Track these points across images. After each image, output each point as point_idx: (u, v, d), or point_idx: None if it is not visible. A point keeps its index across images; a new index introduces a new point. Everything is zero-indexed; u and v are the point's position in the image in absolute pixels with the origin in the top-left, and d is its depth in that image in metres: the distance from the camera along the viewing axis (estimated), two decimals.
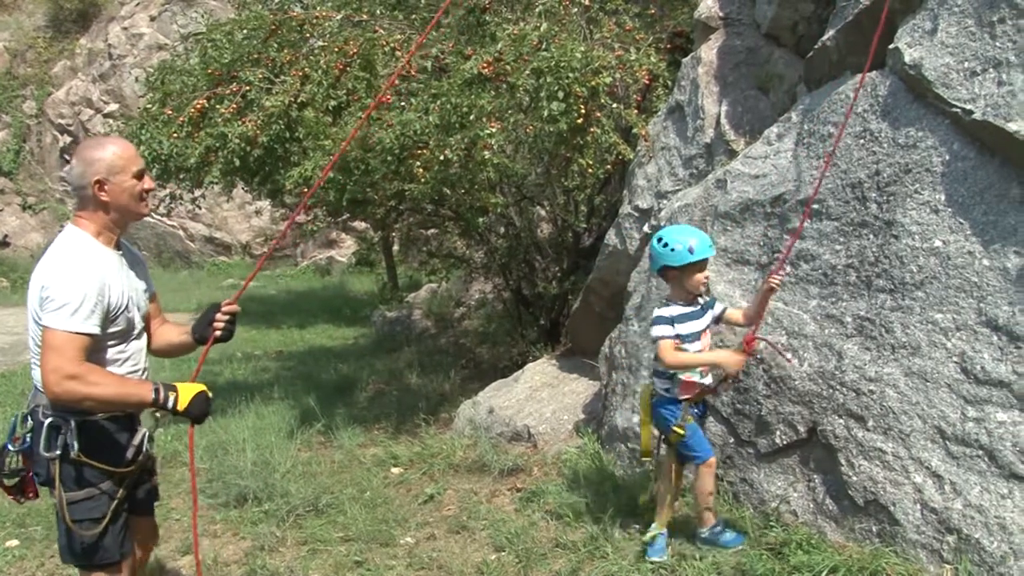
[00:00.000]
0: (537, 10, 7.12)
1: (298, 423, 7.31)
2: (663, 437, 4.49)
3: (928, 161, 4.07)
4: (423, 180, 6.65)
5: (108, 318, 3.11)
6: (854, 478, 4.18)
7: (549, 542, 4.77)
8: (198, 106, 7.58)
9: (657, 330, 4.29)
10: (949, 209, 3.98)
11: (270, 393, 8.56)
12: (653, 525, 4.43)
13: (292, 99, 7.22)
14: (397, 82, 7.06)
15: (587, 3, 7.23)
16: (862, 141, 4.39)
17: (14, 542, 5.20)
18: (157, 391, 3.12)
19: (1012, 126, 3.68)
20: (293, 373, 10.23)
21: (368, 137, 6.58)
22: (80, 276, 3.03)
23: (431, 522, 5.31)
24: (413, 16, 7.94)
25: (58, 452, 3.07)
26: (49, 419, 3.08)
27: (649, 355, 5.54)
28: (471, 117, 6.25)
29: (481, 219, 8.38)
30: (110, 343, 3.18)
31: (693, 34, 6.76)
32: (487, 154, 6.36)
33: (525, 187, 8.94)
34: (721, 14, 6.25)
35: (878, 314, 4.20)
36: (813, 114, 4.72)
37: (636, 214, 6.42)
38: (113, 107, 23.60)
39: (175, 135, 7.52)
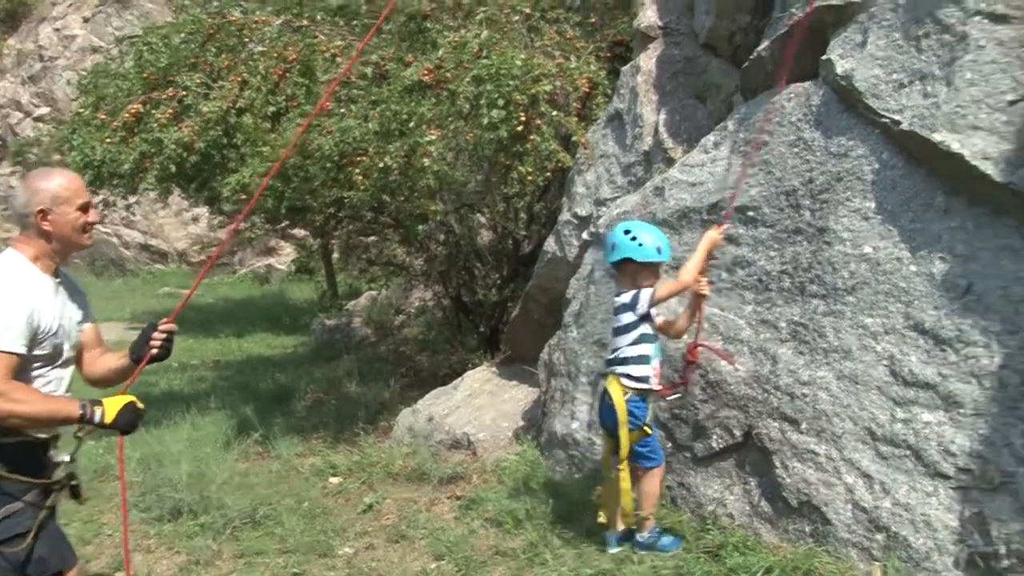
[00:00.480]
0: (478, 18, 7.16)
1: (235, 433, 7.20)
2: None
3: (859, 170, 4.18)
4: (362, 187, 6.61)
5: (35, 340, 3.08)
6: (788, 480, 4.26)
7: (489, 550, 4.76)
8: (133, 111, 7.44)
9: (644, 292, 4.35)
10: (879, 216, 4.08)
11: (207, 403, 8.41)
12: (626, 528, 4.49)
13: (230, 105, 7.13)
14: (337, 88, 7.02)
15: (528, 11, 7.27)
16: (796, 150, 4.48)
17: None
18: (84, 407, 3.10)
19: (937, 137, 3.80)
20: (230, 383, 10.08)
21: (307, 144, 6.52)
22: (10, 297, 3.02)
23: (370, 532, 5.27)
24: (354, 22, 7.92)
25: None
26: None
27: (588, 362, 5.57)
28: (411, 124, 6.25)
29: (421, 226, 8.36)
30: (34, 366, 3.13)
31: (632, 43, 6.84)
32: (427, 161, 6.35)
33: (465, 194, 8.93)
34: (660, 24, 6.33)
35: (811, 319, 4.29)
36: (749, 123, 4.81)
37: (575, 221, 6.47)
38: (44, 110, 23.09)
39: (108, 140, 7.37)
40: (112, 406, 3.15)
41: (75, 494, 3.41)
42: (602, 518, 4.51)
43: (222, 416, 7.91)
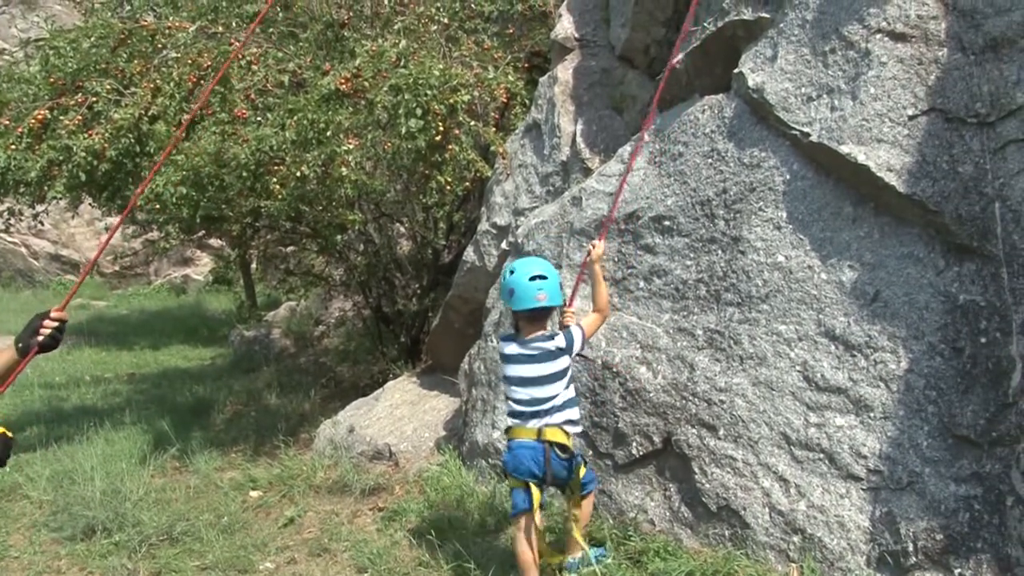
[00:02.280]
0: (396, 27, 7.15)
1: (151, 448, 7.04)
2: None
3: (771, 180, 4.28)
4: (280, 197, 6.54)
5: None
6: (707, 485, 4.33)
7: (412, 561, 4.74)
8: (39, 117, 7.20)
9: (575, 332, 4.09)
10: (790, 226, 4.19)
11: (121, 418, 8.21)
12: (585, 554, 4.19)
13: (142, 112, 6.97)
14: (254, 97, 6.93)
15: (446, 21, 7.29)
16: (710, 160, 4.57)
17: None
18: None
19: (844, 149, 3.92)
20: (146, 396, 9.84)
21: (223, 152, 6.42)
22: None
23: (292, 546, 5.20)
24: (271, 30, 7.81)
25: None
26: None
27: None
28: (328, 133, 6.20)
29: (340, 236, 8.29)
30: None
31: (550, 54, 6.90)
32: (345, 171, 6.31)
33: (384, 204, 8.89)
34: (577, 35, 6.41)
35: (727, 326, 4.38)
36: (664, 134, 4.89)
37: (494, 231, 6.49)
38: None
39: (13, 147, 7.13)
40: None
41: None
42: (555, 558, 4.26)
43: (137, 431, 7.73)
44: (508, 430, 4.13)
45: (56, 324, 3.21)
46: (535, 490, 3.99)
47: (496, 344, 5.81)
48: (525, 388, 4.04)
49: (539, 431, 3.99)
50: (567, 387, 4.05)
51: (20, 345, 3.20)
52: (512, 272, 4.04)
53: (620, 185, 4.85)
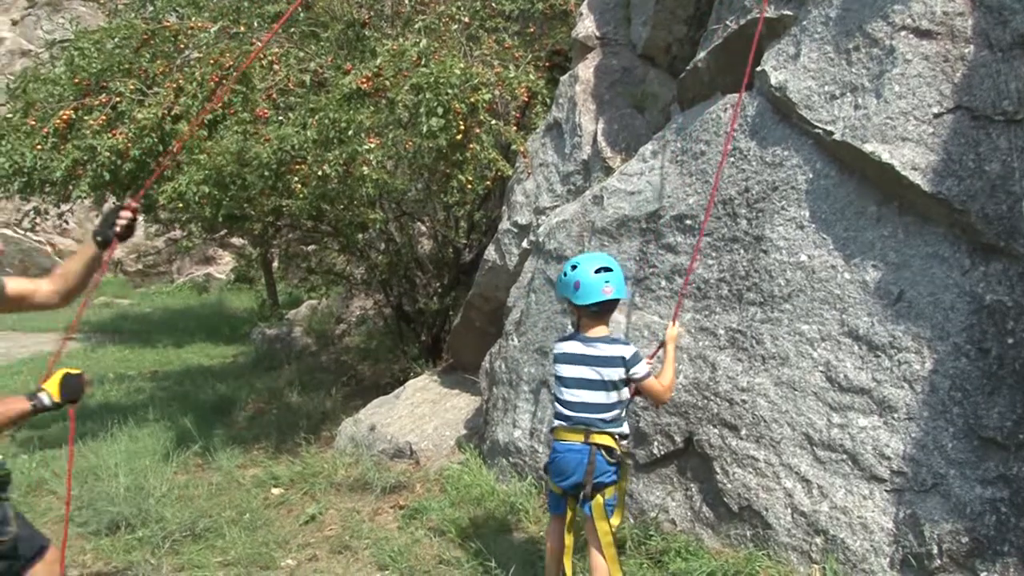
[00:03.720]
0: (417, 26, 7.15)
1: (174, 445, 7.09)
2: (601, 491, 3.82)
3: (794, 179, 4.26)
4: (301, 196, 6.57)
5: None
6: (729, 485, 4.32)
7: (433, 559, 4.75)
8: (64, 117, 7.27)
9: (644, 366, 3.82)
10: (813, 225, 4.16)
11: (145, 415, 8.26)
12: None
13: (165, 111, 7.01)
14: (275, 96, 6.96)
15: (467, 20, 7.29)
16: (732, 159, 4.55)
17: None
18: (32, 398, 3.19)
19: (868, 147, 3.89)
20: (169, 394, 9.91)
21: (245, 152, 6.45)
22: None
23: (313, 543, 5.22)
24: (292, 30, 7.84)
25: None
26: None
27: (530, 370, 5.59)
28: (350, 132, 6.21)
29: (360, 235, 8.31)
30: None
31: (571, 53, 6.89)
32: (366, 170, 6.33)
33: (405, 203, 8.91)
34: (598, 34, 6.39)
35: (749, 326, 4.36)
36: (686, 132, 4.87)
37: (515, 230, 6.49)
38: None
39: (39, 147, 7.20)
40: (53, 386, 3.24)
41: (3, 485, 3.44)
42: None
43: (161, 428, 7.79)
44: (554, 431, 3.95)
45: (130, 215, 3.48)
46: (571, 502, 3.87)
47: (517, 343, 5.81)
48: (577, 390, 3.83)
49: (587, 434, 3.79)
50: (618, 402, 3.81)
51: (99, 238, 3.45)
52: (575, 267, 3.85)
53: (710, 197, 4.79)
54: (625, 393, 3.81)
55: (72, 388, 3.27)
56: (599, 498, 3.77)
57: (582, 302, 3.82)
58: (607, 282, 3.77)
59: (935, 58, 3.81)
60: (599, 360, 3.79)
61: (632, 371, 3.76)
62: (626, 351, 3.78)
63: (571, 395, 3.83)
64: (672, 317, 4.26)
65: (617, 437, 3.81)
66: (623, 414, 3.85)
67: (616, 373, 3.76)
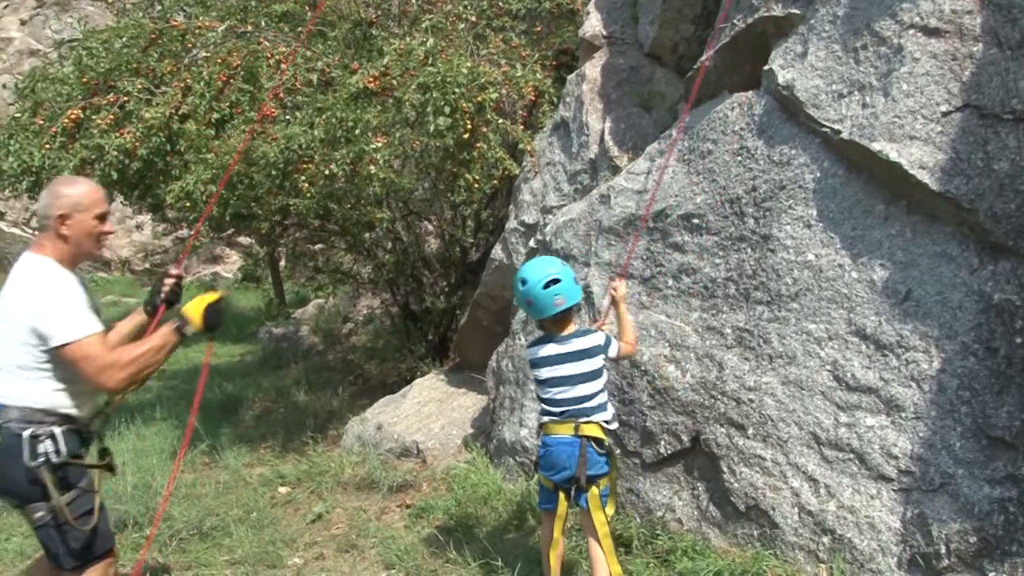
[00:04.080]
0: (424, 25, 7.15)
1: (181, 444, 7.10)
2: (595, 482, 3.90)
3: (801, 178, 4.25)
4: (308, 195, 6.58)
5: (93, 314, 3.39)
6: (736, 485, 4.31)
7: (439, 558, 4.76)
8: (72, 116, 7.29)
9: (613, 343, 4.02)
10: (821, 224, 4.15)
11: (152, 414, 8.27)
12: None
13: (173, 111, 7.03)
14: (282, 95, 6.97)
15: (474, 20, 7.29)
16: (739, 158, 4.54)
17: None
18: (177, 329, 3.48)
19: (876, 146, 3.88)
20: (176, 392, 9.93)
21: (252, 151, 6.46)
22: (64, 291, 3.33)
23: (320, 542, 5.23)
24: (299, 29, 7.85)
25: (41, 460, 3.25)
26: (28, 431, 3.25)
27: None
28: (357, 131, 6.22)
29: (367, 234, 8.32)
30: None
31: (578, 52, 6.89)
32: (373, 169, 6.33)
33: (412, 202, 8.92)
34: (605, 33, 6.39)
35: (756, 325, 4.35)
36: (693, 131, 4.86)
37: (522, 229, 6.49)
38: None
39: (47, 146, 7.22)
40: (195, 314, 3.53)
41: (111, 469, 3.71)
42: None
43: (168, 426, 7.80)
44: (543, 426, 4.01)
45: (174, 280, 3.76)
46: (562, 498, 3.89)
47: (524, 342, 5.81)
48: (564, 388, 3.90)
49: (576, 427, 3.86)
50: (602, 389, 3.94)
51: (148, 308, 3.74)
52: (524, 282, 3.91)
53: (652, 193, 4.85)
54: (606, 376, 3.98)
55: (215, 315, 3.56)
56: (594, 489, 3.84)
57: (537, 317, 4.01)
58: (556, 295, 3.85)
59: (943, 56, 3.80)
60: (580, 354, 3.91)
61: (611, 353, 4.00)
62: (599, 338, 3.96)
63: (558, 393, 3.91)
64: (620, 275, 4.47)
65: (604, 425, 3.90)
66: (607, 397, 3.97)
67: (598, 361, 3.92)
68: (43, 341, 3.26)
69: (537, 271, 3.90)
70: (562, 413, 3.91)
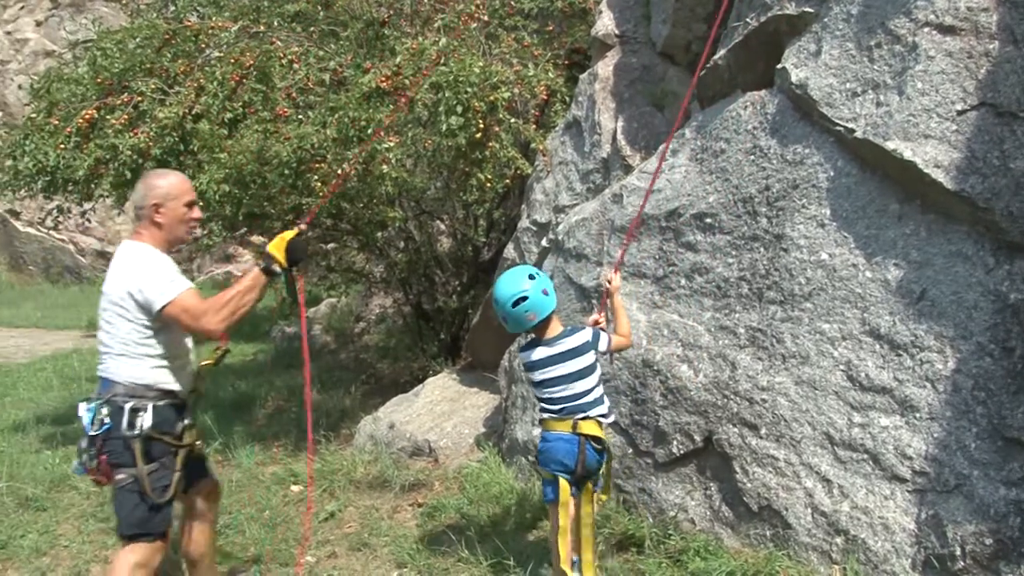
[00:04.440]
0: (436, 25, 7.15)
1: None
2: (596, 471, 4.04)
3: (814, 177, 4.23)
4: (321, 194, 6.58)
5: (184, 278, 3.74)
6: (748, 485, 4.29)
7: (451, 557, 4.76)
8: (87, 116, 7.32)
9: (604, 337, 4.10)
10: (834, 223, 4.14)
11: None
12: None
13: (186, 111, 7.05)
14: (295, 95, 6.98)
15: (486, 19, 7.27)
16: (752, 157, 4.53)
17: None
18: (264, 269, 3.78)
19: (890, 145, 3.86)
20: None
21: (265, 150, 6.48)
22: (159, 263, 3.73)
23: (332, 540, 5.24)
24: (312, 29, 7.86)
25: (137, 432, 3.65)
26: (130, 404, 3.67)
27: None
28: (369, 131, 6.22)
29: (380, 233, 8.32)
30: (159, 327, 3.73)
31: (590, 51, 6.88)
32: (385, 168, 6.33)
33: (424, 201, 8.92)
34: (617, 32, 6.38)
35: (769, 325, 4.34)
36: (706, 130, 4.85)
37: (534, 228, 6.49)
38: None
39: (62, 146, 7.25)
40: (278, 251, 3.79)
41: (197, 454, 4.03)
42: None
43: None
44: (543, 422, 4.09)
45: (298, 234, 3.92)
46: (564, 484, 3.95)
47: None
48: (560, 387, 3.99)
49: (575, 424, 3.95)
50: (597, 383, 4.02)
51: (263, 266, 3.84)
52: (496, 302, 4.04)
53: (646, 194, 4.89)
54: (599, 370, 4.06)
55: (298, 250, 3.79)
56: (588, 484, 3.98)
57: (515, 331, 4.19)
58: (527, 311, 3.95)
59: (959, 54, 3.78)
60: (570, 353, 4.00)
61: (601, 347, 4.06)
62: (587, 335, 4.04)
63: (554, 392, 4.01)
64: (614, 268, 4.46)
65: (602, 420, 4.01)
66: (603, 390, 4.07)
67: (589, 358, 4.00)
68: (148, 311, 3.66)
69: (505, 290, 3.99)
70: (560, 410, 4.00)
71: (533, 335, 4.10)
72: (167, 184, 3.85)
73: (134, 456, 3.67)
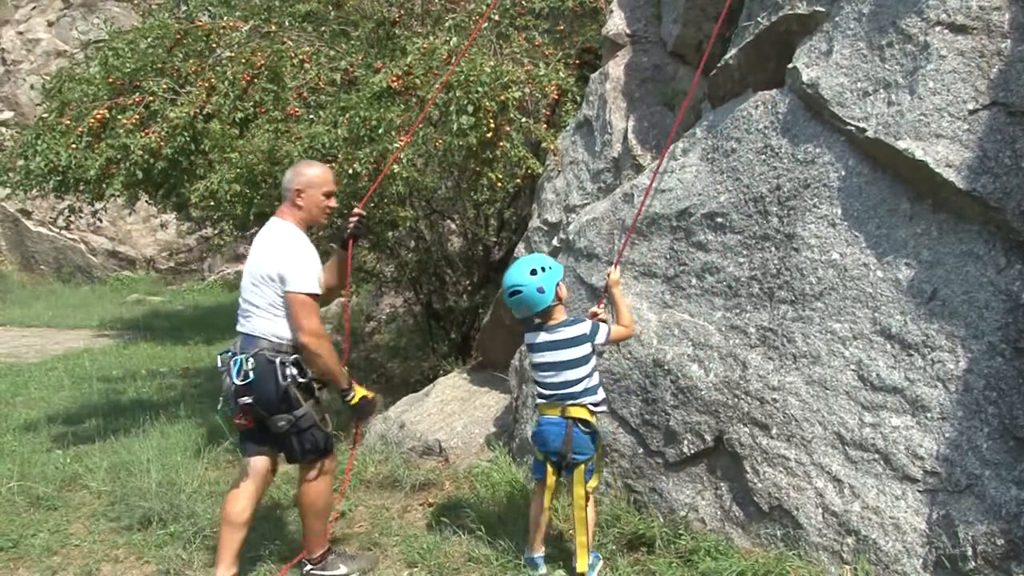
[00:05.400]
0: (447, 24, 7.16)
1: (205, 442, 7.14)
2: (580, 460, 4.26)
3: (825, 176, 4.22)
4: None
5: (318, 283, 4.31)
6: (759, 485, 4.29)
7: (462, 557, 4.76)
8: (98, 116, 7.35)
9: (603, 330, 4.31)
10: (845, 223, 4.13)
11: (176, 411, 8.34)
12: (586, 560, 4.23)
13: (198, 110, 7.08)
14: (306, 95, 6.99)
15: (497, 18, 7.28)
16: (763, 156, 4.52)
17: None
18: (349, 383, 4.44)
19: (901, 144, 3.85)
20: (200, 391, 9.98)
21: (276, 150, 6.49)
22: (304, 253, 4.30)
23: (342, 539, 5.24)
24: (322, 28, 7.88)
25: (289, 380, 4.23)
26: (278, 358, 4.23)
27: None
28: (380, 131, 6.23)
29: (391, 233, 8.33)
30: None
31: (601, 50, 6.87)
32: (396, 168, 6.34)
33: (435, 201, 8.93)
34: (628, 31, 6.37)
35: (780, 324, 4.33)
36: (717, 130, 4.85)
37: (545, 228, 6.48)
38: (7, 115, 22.74)
39: (74, 146, 7.28)
40: (359, 393, 4.47)
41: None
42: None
43: (192, 424, 7.85)
44: (538, 407, 4.42)
45: (358, 218, 4.68)
46: (551, 467, 4.30)
47: None
48: (552, 373, 4.28)
49: (564, 409, 4.26)
50: (591, 373, 4.27)
51: (340, 243, 4.64)
52: (501, 291, 4.39)
53: (646, 191, 5.00)
54: (594, 362, 4.30)
55: (364, 408, 4.55)
56: (580, 467, 4.25)
57: (517, 317, 4.49)
58: (520, 304, 4.30)
59: (971, 53, 3.77)
60: (566, 343, 4.26)
61: (597, 340, 4.29)
62: (585, 327, 4.29)
63: (548, 377, 4.30)
64: (615, 263, 4.75)
65: (591, 407, 4.27)
66: (596, 382, 4.31)
67: (584, 349, 4.25)
68: (282, 284, 4.22)
69: (507, 279, 4.32)
70: (551, 396, 4.31)
71: (539, 319, 4.36)
72: (311, 173, 4.44)
73: (291, 402, 4.26)
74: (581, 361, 4.24)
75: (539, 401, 4.40)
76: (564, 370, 4.25)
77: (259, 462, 4.56)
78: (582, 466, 4.25)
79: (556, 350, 4.27)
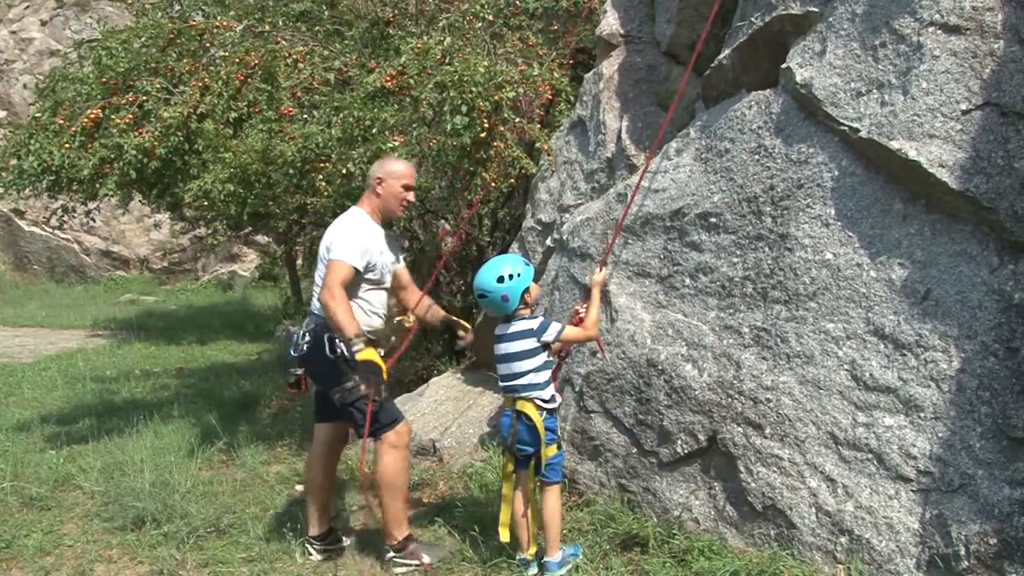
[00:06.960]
0: (441, 24, 7.16)
1: (199, 442, 7.13)
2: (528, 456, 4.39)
3: (819, 177, 4.23)
4: (326, 193, 6.60)
5: (367, 267, 4.59)
6: (753, 484, 4.30)
7: (455, 556, 4.75)
8: (92, 116, 7.34)
9: (554, 328, 4.34)
10: (839, 223, 4.13)
11: (170, 411, 8.32)
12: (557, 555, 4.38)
13: (191, 110, 7.07)
14: (300, 94, 6.99)
15: (491, 18, 7.29)
16: (757, 157, 4.53)
17: None
18: (358, 336, 4.37)
19: (894, 144, 3.86)
20: (194, 391, 9.97)
21: (270, 150, 6.49)
22: (356, 231, 4.61)
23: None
24: (316, 28, 7.88)
25: (338, 355, 4.45)
26: (327, 334, 4.50)
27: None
28: (374, 130, 6.23)
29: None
30: (365, 285, 4.64)
31: (595, 50, 6.88)
32: None
33: (429, 201, 8.93)
34: (622, 32, 6.38)
35: (774, 324, 4.33)
36: (710, 130, 4.85)
37: (539, 228, 6.49)
38: (0, 114, 22.73)
39: (67, 145, 7.26)
40: (367, 355, 4.40)
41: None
42: (506, 536, 4.46)
43: (186, 424, 7.83)
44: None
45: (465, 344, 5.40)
46: (508, 458, 4.44)
47: None
48: (504, 365, 4.39)
49: (513, 401, 4.36)
50: (537, 369, 4.32)
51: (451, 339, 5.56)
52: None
53: (634, 190, 5.02)
54: (542, 358, 4.34)
55: (367, 369, 4.36)
56: (533, 462, 4.38)
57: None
58: (487, 305, 4.44)
59: (964, 54, 3.77)
60: (515, 335, 4.36)
61: (545, 337, 4.33)
62: (534, 323, 4.35)
63: (501, 369, 4.43)
64: (601, 263, 4.78)
65: (539, 402, 4.31)
66: (543, 380, 4.34)
67: (529, 343, 4.31)
68: (327, 254, 4.54)
69: (476, 281, 4.39)
70: (504, 388, 4.45)
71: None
72: (394, 166, 4.81)
73: (338, 376, 4.42)
74: (526, 355, 4.30)
75: (502, 394, 4.55)
76: (511, 362, 4.35)
77: (321, 429, 4.98)
78: (532, 460, 4.37)
79: (508, 342, 4.37)
